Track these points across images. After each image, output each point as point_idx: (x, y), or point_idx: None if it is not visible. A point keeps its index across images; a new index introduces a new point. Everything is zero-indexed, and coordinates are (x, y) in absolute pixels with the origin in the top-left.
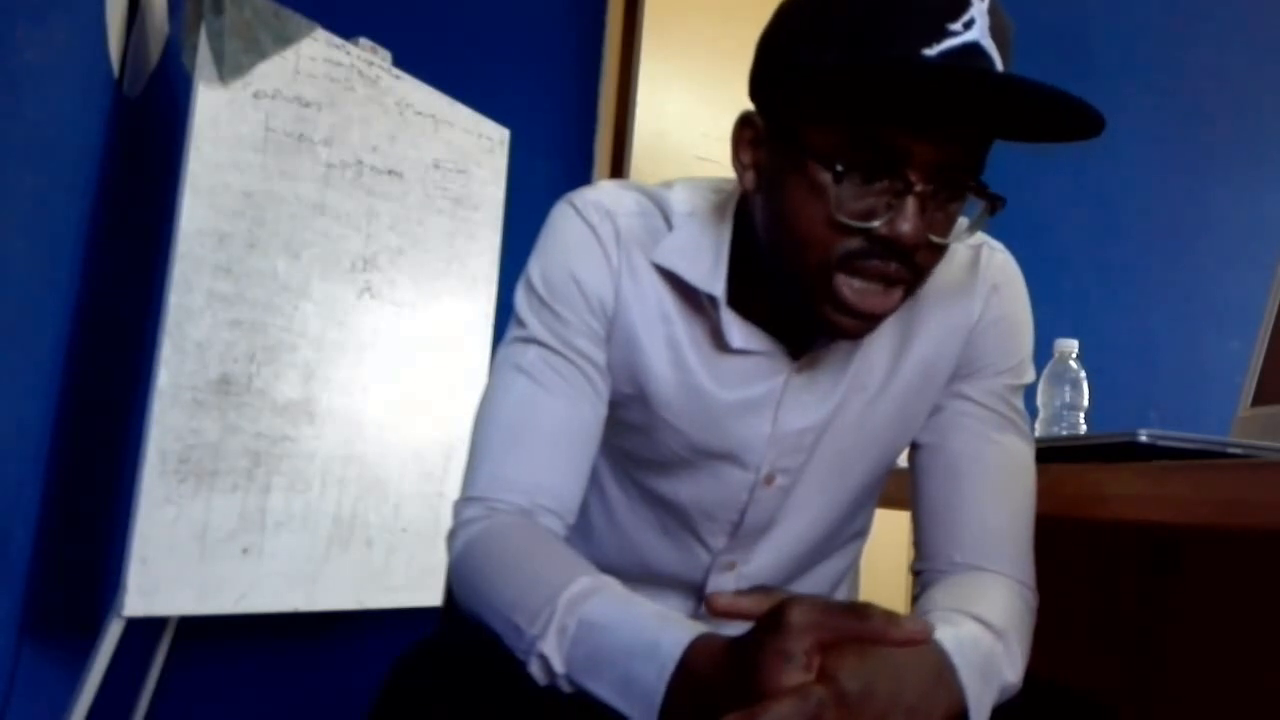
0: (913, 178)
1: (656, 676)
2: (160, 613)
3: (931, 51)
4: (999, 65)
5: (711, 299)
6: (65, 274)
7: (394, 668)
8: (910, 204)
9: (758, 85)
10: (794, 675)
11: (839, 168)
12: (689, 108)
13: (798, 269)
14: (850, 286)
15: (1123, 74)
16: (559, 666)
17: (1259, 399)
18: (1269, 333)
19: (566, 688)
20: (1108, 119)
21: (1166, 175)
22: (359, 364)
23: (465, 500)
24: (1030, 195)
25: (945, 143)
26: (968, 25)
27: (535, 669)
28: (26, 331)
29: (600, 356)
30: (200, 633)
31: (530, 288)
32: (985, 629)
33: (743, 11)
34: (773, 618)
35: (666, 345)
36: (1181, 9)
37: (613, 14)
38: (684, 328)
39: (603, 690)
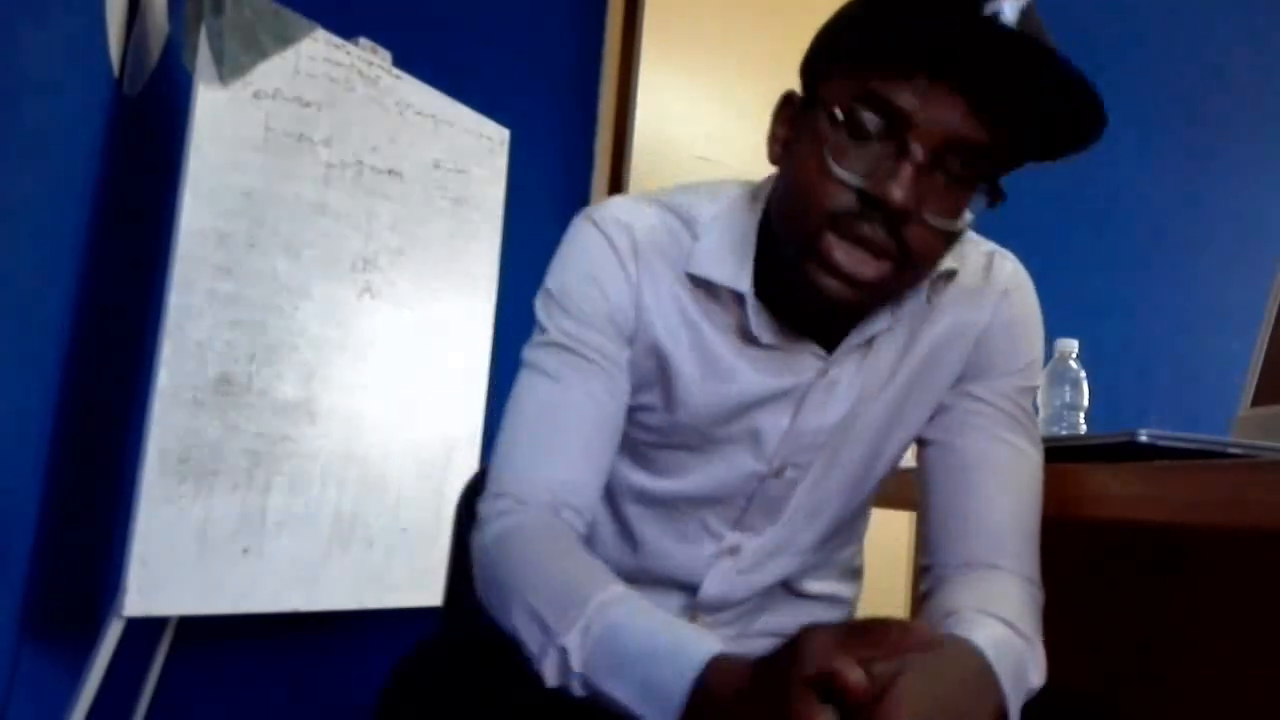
0: (911, 143)
1: (679, 682)
2: (160, 613)
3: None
4: None
5: (739, 296)
6: (65, 274)
7: (395, 669)
8: (905, 169)
9: (803, 64)
10: (821, 711)
11: (838, 114)
12: (689, 108)
13: (794, 228)
14: (838, 248)
15: (1123, 74)
16: (577, 664)
17: (1259, 399)
18: (1269, 333)
19: (579, 690)
20: (1108, 119)
21: (1166, 175)
22: (359, 364)
23: (494, 495)
24: (1030, 195)
25: (950, 112)
26: (995, 13)
27: (549, 666)
28: (27, 331)
29: (619, 353)
30: (200, 633)
31: (549, 295)
32: (1014, 632)
33: (743, 12)
34: (792, 645)
35: (691, 348)
36: (1182, 9)
37: (613, 14)
38: (710, 328)
39: (621, 692)
